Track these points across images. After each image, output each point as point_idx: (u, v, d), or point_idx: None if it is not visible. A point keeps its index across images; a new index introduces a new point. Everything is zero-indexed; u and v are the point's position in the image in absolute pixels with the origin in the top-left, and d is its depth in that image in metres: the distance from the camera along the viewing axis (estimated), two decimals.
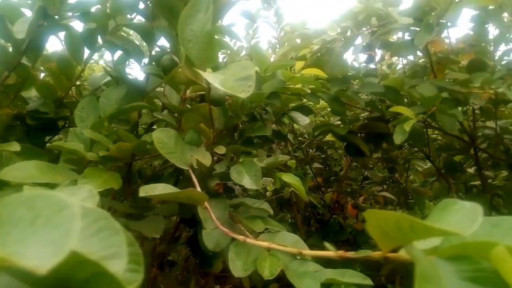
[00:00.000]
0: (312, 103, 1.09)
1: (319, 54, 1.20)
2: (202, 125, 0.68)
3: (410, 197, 2.13)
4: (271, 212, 0.73)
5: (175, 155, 0.59)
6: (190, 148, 0.71)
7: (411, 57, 1.43)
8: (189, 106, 0.71)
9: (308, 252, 0.30)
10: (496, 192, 1.56)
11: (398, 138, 0.82)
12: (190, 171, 0.62)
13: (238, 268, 0.59)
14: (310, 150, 2.30)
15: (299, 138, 2.14)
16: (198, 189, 0.56)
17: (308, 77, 0.89)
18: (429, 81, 0.93)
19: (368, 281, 0.61)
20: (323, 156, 2.34)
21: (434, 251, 0.22)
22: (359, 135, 1.23)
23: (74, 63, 0.99)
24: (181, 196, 0.46)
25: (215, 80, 0.38)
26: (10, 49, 0.80)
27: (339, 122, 1.35)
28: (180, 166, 0.60)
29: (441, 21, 1.19)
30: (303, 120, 0.94)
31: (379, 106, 1.15)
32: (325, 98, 1.09)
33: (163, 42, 0.84)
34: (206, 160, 0.67)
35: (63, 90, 1.01)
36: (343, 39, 1.19)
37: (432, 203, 1.92)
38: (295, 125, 1.73)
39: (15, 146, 0.61)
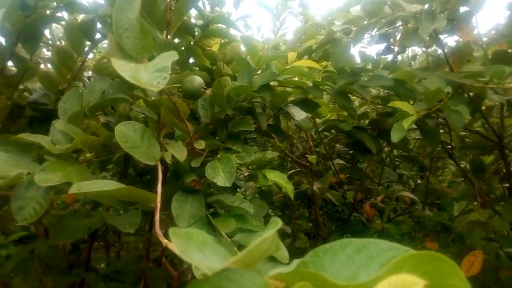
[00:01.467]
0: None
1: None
2: (174, 119, 0.65)
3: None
4: (252, 211, 0.70)
5: (139, 150, 0.57)
6: (167, 142, 0.69)
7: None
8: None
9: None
10: None
11: (395, 136, 0.75)
12: (159, 166, 0.60)
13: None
14: (337, 145, 2.22)
15: (325, 133, 2.07)
16: (159, 186, 0.54)
17: (301, 68, 0.84)
18: (438, 74, 0.85)
19: None
20: (351, 152, 2.24)
21: (277, 277, 0.18)
22: (369, 131, 1.17)
23: (75, 55, 0.99)
24: (119, 194, 0.44)
25: (125, 73, 0.35)
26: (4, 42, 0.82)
27: None
28: (145, 161, 0.58)
29: (463, 8, 1.10)
30: (299, 115, 0.89)
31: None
32: (330, 92, 1.04)
33: None
34: (181, 155, 0.65)
35: (65, 82, 1.02)
36: (353, 29, 1.12)
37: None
38: (317, 119, 1.67)
39: None
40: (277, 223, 0.19)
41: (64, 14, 0.99)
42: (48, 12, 0.85)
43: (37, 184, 0.50)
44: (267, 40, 2.23)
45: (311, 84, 0.97)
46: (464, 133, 1.53)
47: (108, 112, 1.03)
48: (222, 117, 0.78)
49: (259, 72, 0.96)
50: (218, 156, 0.69)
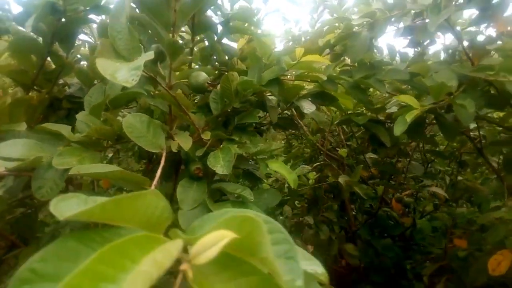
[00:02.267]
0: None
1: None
2: (179, 111, 0.71)
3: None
4: (251, 198, 0.74)
5: (145, 139, 0.64)
6: (176, 133, 0.76)
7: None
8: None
9: None
10: None
11: (397, 130, 0.76)
12: (163, 154, 0.66)
13: None
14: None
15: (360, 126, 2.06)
16: (159, 171, 0.60)
17: (308, 63, 0.86)
18: (451, 67, 0.84)
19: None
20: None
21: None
22: (387, 124, 1.16)
23: None
24: (112, 175, 0.50)
25: (105, 71, 0.41)
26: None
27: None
28: (149, 149, 0.64)
29: None
30: (309, 108, 0.92)
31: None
32: (346, 86, 1.05)
33: None
34: (186, 144, 0.71)
35: (99, 77, 1.12)
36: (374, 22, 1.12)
37: None
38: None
39: (22, 126, 0.71)
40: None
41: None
42: (82, 13, 0.94)
43: (55, 167, 0.58)
44: (304, 33, 2.25)
45: (325, 78, 1.00)
46: (500, 128, 1.47)
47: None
48: (229, 110, 0.83)
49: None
50: (221, 146, 0.74)
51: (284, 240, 0.21)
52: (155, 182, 0.57)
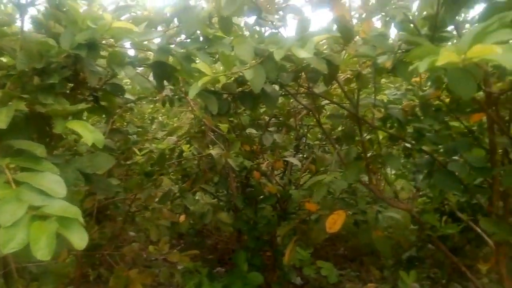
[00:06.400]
0: None
1: None
2: None
3: None
4: (44, 155, 0.78)
5: None
6: None
7: None
8: None
9: None
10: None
11: (191, 93, 0.84)
12: None
13: None
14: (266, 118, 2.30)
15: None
16: None
17: (119, 29, 0.90)
18: (250, 41, 0.94)
19: (79, 217, 0.66)
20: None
21: None
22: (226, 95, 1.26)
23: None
24: None
25: None
26: None
27: None
28: None
29: None
30: (129, 74, 0.97)
31: None
32: (178, 56, 1.11)
33: None
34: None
35: None
36: None
37: None
38: None
39: None
40: None
41: None
42: None
43: None
44: None
45: (156, 48, 1.05)
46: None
47: None
48: (27, 69, 0.85)
49: None
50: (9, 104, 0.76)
51: None
52: None
